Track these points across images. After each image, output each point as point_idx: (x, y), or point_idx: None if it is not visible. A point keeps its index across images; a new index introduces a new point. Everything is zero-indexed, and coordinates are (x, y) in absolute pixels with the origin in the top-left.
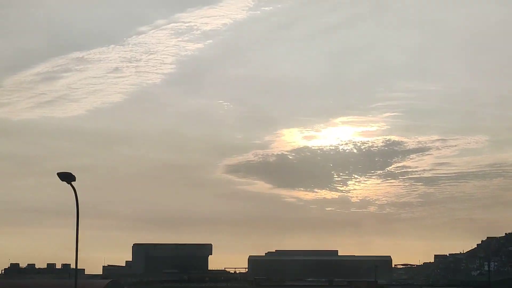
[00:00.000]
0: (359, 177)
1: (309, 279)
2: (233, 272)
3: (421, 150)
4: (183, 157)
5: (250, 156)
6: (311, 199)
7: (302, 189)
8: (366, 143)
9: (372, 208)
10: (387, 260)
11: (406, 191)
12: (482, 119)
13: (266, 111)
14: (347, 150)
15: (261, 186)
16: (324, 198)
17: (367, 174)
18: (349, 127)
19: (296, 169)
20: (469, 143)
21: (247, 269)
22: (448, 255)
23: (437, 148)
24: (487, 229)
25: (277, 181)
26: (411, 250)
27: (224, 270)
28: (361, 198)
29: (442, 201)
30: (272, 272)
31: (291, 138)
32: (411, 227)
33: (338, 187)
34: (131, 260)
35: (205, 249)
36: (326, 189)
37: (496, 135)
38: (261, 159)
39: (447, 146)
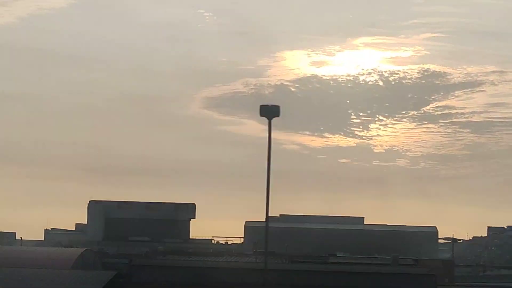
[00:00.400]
0: (385, 119)
1: (341, 255)
2: (224, 242)
3: (470, 85)
4: (149, 86)
5: (238, 86)
6: (320, 147)
7: (307, 133)
8: (396, 74)
9: (402, 162)
10: (433, 232)
11: (449, 140)
12: None
13: (262, 26)
14: (370, 82)
15: (252, 127)
16: (338, 146)
17: (396, 116)
18: (374, 50)
19: (300, 106)
20: None
21: (243, 240)
22: (506, 227)
23: (493, 83)
24: None
25: (274, 121)
26: (454, 220)
27: (211, 239)
28: (387, 147)
29: (497, 154)
30: (279, 245)
31: (295, 64)
32: (454, 189)
33: (356, 132)
34: (85, 222)
35: (186, 211)
36: (341, 134)
37: None
38: (253, 91)
39: (506, 81)
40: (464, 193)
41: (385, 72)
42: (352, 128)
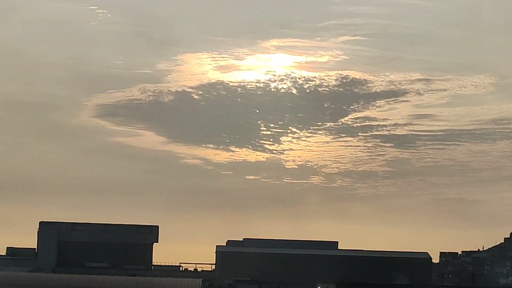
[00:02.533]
0: (298, 131)
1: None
2: (192, 270)
3: (393, 94)
4: (31, 91)
5: (134, 93)
6: (225, 162)
7: (211, 146)
8: (312, 81)
9: (316, 179)
10: (426, 258)
11: (369, 155)
12: (487, 52)
13: (162, 25)
14: (282, 90)
15: (149, 139)
16: (245, 160)
17: (311, 128)
18: (287, 54)
19: (204, 115)
20: (464, 87)
21: (214, 266)
22: (460, 253)
23: (418, 93)
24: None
25: (174, 133)
26: (374, 243)
27: (179, 265)
28: (300, 163)
29: (421, 171)
30: (255, 273)
31: (199, 68)
32: (374, 209)
33: (266, 145)
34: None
35: (149, 233)
36: (248, 148)
37: (506, 76)
38: (151, 98)
39: (432, 90)
40: (385, 214)
41: (299, 78)
42: (262, 141)
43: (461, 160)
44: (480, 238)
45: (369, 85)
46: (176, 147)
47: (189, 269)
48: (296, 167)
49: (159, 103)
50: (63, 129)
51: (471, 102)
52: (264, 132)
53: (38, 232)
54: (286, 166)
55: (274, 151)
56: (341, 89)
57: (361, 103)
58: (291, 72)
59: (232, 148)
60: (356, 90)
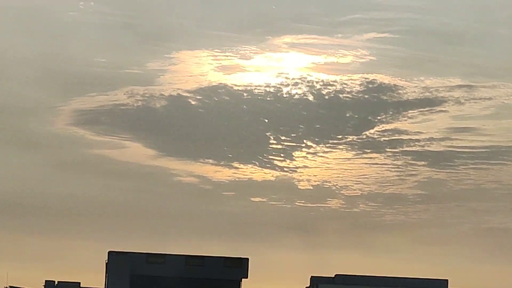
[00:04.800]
0: (314, 145)
1: None
2: None
3: (428, 103)
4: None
5: (120, 97)
6: (227, 181)
7: (211, 161)
8: (332, 85)
9: (335, 202)
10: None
11: (398, 176)
12: None
13: (154, 17)
14: (296, 96)
15: (136, 151)
16: (251, 179)
17: (330, 141)
18: (302, 54)
19: (202, 125)
20: None
21: None
22: None
23: (457, 102)
24: None
25: (166, 145)
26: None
27: None
28: (316, 183)
29: (460, 195)
30: None
31: (197, 68)
32: (403, 239)
33: (276, 162)
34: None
35: (238, 267)
36: (255, 164)
37: None
38: (140, 104)
39: (474, 99)
40: (416, 245)
41: (316, 82)
42: (271, 157)
43: (508, 183)
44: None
45: (400, 91)
46: (169, 162)
47: None
48: (311, 188)
49: (150, 109)
50: (35, 138)
51: None
52: (274, 146)
53: (106, 264)
54: (299, 187)
55: (285, 169)
56: (366, 96)
57: (390, 113)
58: (307, 74)
59: (236, 165)
60: (384, 98)
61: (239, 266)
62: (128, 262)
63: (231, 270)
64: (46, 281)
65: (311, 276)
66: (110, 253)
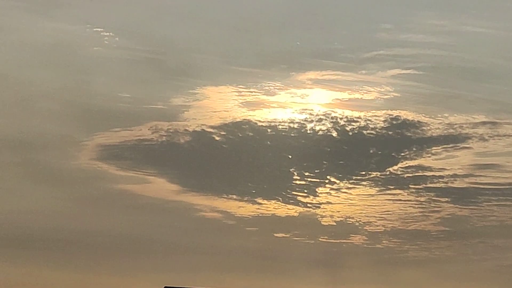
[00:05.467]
0: (338, 181)
1: None
2: None
3: (452, 139)
4: (21, 127)
5: (144, 132)
6: (251, 216)
7: (234, 197)
8: (356, 122)
9: (358, 238)
10: None
11: (421, 212)
12: None
13: (178, 51)
14: (320, 132)
15: (160, 186)
16: (274, 215)
17: (354, 178)
18: (326, 90)
19: (226, 160)
20: None
21: None
22: None
23: (482, 138)
24: None
25: (190, 180)
26: None
27: None
28: (339, 219)
29: (483, 232)
30: None
31: (221, 104)
32: (426, 275)
33: (299, 198)
34: None
35: None
36: (278, 200)
37: None
38: (164, 139)
39: (499, 136)
40: (439, 281)
41: (340, 119)
42: (294, 193)
43: None
44: None
45: (424, 128)
46: (192, 198)
47: None
48: (335, 224)
49: (174, 144)
50: (58, 173)
51: None
52: (298, 182)
53: None
54: (323, 223)
55: (309, 205)
56: (390, 132)
57: (414, 149)
58: (331, 111)
59: (259, 200)
60: (408, 134)
61: None
62: None
63: None
64: None
65: None
66: None
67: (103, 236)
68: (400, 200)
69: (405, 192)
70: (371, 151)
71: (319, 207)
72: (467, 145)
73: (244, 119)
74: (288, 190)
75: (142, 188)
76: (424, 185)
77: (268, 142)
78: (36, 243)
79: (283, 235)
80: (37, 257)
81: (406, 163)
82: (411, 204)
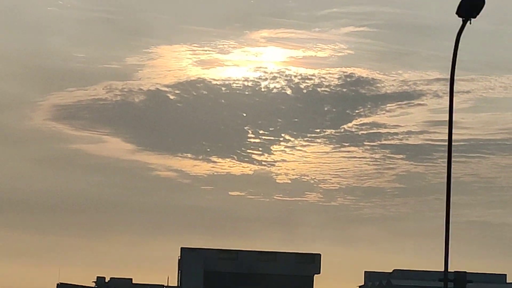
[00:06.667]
0: (292, 139)
1: None
2: None
3: (407, 96)
4: None
5: (98, 92)
6: (205, 175)
7: (189, 155)
8: (310, 79)
9: (313, 196)
10: None
11: (376, 169)
12: None
13: (132, 11)
14: (274, 90)
15: (115, 146)
16: (229, 173)
17: (308, 135)
18: (280, 48)
19: (181, 119)
20: (492, 89)
21: None
22: None
23: (436, 95)
24: None
25: (145, 140)
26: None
27: None
28: (294, 176)
29: (438, 188)
30: None
31: (175, 63)
32: (382, 232)
33: (254, 156)
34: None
35: (311, 263)
36: (233, 158)
37: None
38: (118, 98)
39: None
40: (394, 238)
41: (294, 76)
42: (249, 151)
43: (486, 176)
44: (508, 267)
45: (378, 85)
46: (147, 157)
47: None
48: (289, 181)
49: (128, 104)
50: (12, 133)
51: (499, 107)
52: (252, 140)
53: (179, 260)
54: (278, 181)
55: (264, 163)
56: (344, 90)
57: (368, 106)
58: (285, 68)
59: (214, 159)
60: (363, 91)
61: (312, 262)
62: (201, 259)
63: (304, 266)
64: (97, 277)
65: (365, 271)
66: (182, 249)
67: (59, 196)
68: (355, 157)
69: (360, 149)
70: (326, 109)
71: (273, 165)
72: (422, 102)
73: (199, 78)
74: (243, 148)
75: (97, 147)
76: (379, 142)
77: (223, 101)
78: None
79: (238, 193)
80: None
81: (361, 120)
82: (366, 161)
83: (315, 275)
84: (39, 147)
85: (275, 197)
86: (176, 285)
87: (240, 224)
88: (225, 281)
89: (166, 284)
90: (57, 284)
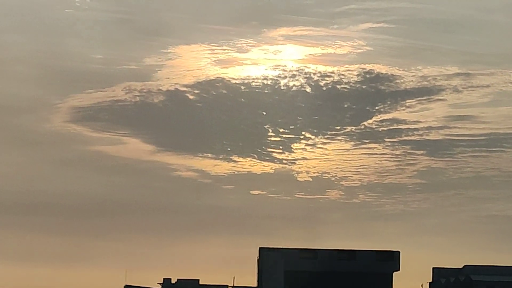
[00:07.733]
0: (313, 137)
1: None
2: None
3: (426, 92)
4: None
5: (117, 93)
6: (226, 175)
7: (210, 155)
8: (329, 77)
9: (334, 194)
10: None
11: (397, 165)
12: None
13: (150, 12)
14: (293, 88)
15: (135, 147)
16: (250, 172)
17: (329, 133)
18: (299, 46)
19: (201, 119)
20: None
21: None
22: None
23: (455, 90)
24: None
25: (164, 140)
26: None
27: None
28: (315, 174)
29: (459, 184)
30: None
31: (194, 63)
32: (402, 229)
33: (274, 154)
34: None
35: (390, 260)
36: (254, 157)
37: None
38: (138, 99)
39: (472, 87)
40: (416, 234)
41: (314, 74)
42: (269, 149)
43: (508, 170)
44: None
45: (398, 81)
46: (168, 157)
47: None
48: (311, 179)
49: (148, 104)
50: (32, 136)
51: None
52: (273, 139)
53: (259, 260)
54: (299, 179)
55: (284, 161)
56: (364, 87)
57: (388, 103)
58: (304, 66)
59: (234, 158)
60: (382, 88)
61: (391, 259)
62: (282, 258)
63: (383, 263)
64: (164, 279)
65: (433, 268)
66: (261, 249)
67: (79, 198)
68: (375, 154)
69: (380, 145)
70: (346, 106)
71: (294, 163)
72: (441, 97)
73: (218, 77)
74: (263, 147)
75: (117, 149)
76: (399, 138)
77: (242, 100)
78: (11, 207)
79: (259, 192)
80: (13, 221)
81: (381, 117)
82: (387, 157)
83: (395, 272)
84: (59, 149)
85: (296, 195)
86: (255, 285)
87: (261, 223)
88: (305, 280)
89: (232, 285)
90: (124, 286)
